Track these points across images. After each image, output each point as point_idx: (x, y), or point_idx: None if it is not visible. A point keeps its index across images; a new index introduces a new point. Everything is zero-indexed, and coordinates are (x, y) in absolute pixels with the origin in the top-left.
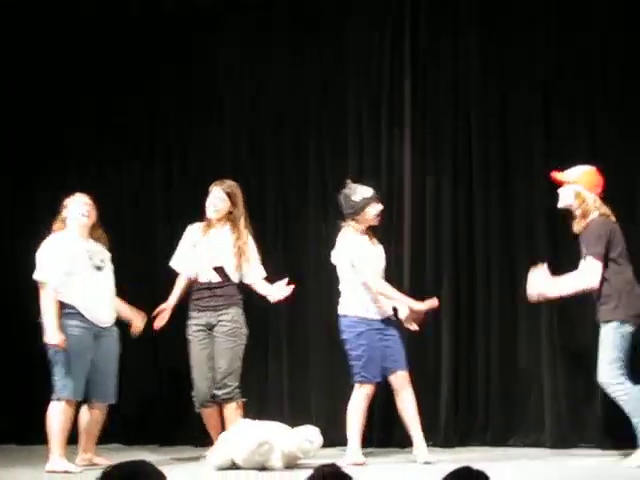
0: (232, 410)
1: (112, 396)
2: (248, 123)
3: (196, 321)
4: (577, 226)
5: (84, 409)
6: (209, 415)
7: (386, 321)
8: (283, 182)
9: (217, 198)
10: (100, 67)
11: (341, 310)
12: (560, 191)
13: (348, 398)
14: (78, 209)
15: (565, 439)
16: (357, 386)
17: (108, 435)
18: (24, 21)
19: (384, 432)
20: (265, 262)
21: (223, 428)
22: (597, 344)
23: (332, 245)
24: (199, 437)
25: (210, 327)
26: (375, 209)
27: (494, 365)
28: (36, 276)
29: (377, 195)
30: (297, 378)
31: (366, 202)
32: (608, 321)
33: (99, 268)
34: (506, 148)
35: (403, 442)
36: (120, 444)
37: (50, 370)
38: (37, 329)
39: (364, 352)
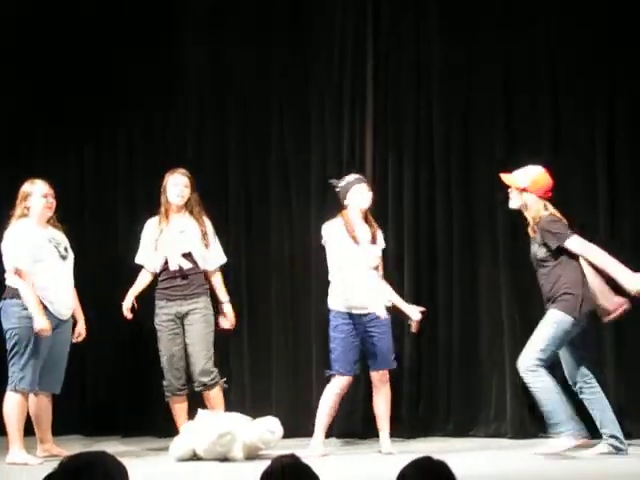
0: (217, 393)
1: (59, 386)
2: (210, 108)
3: (166, 310)
4: (531, 230)
5: (31, 399)
6: (178, 404)
7: (372, 316)
8: (245, 167)
9: (182, 185)
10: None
11: (328, 302)
12: (510, 193)
13: (310, 389)
14: (42, 200)
15: (526, 430)
16: (332, 378)
17: (69, 426)
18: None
19: (347, 423)
20: (227, 248)
21: (189, 418)
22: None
23: (295, 231)
24: (164, 427)
25: (180, 316)
26: (358, 191)
27: (456, 355)
28: (12, 264)
29: (362, 178)
30: (258, 369)
31: (348, 186)
32: (556, 311)
33: (64, 257)
34: (468, 130)
35: (365, 433)
36: (82, 435)
37: (6, 359)
38: None
39: (337, 345)
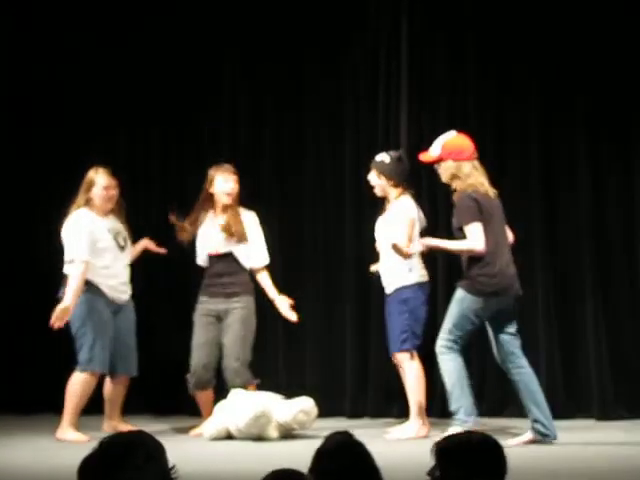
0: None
1: (135, 368)
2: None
3: (205, 305)
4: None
5: (107, 383)
6: (204, 395)
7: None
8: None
9: (232, 182)
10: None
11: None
12: (437, 170)
13: (344, 370)
14: (103, 192)
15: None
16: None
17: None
18: None
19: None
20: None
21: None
22: None
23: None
24: (193, 407)
25: (218, 314)
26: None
27: None
28: (70, 255)
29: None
30: (292, 350)
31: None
32: (467, 291)
33: (122, 247)
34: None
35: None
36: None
37: (73, 342)
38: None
39: (408, 319)
